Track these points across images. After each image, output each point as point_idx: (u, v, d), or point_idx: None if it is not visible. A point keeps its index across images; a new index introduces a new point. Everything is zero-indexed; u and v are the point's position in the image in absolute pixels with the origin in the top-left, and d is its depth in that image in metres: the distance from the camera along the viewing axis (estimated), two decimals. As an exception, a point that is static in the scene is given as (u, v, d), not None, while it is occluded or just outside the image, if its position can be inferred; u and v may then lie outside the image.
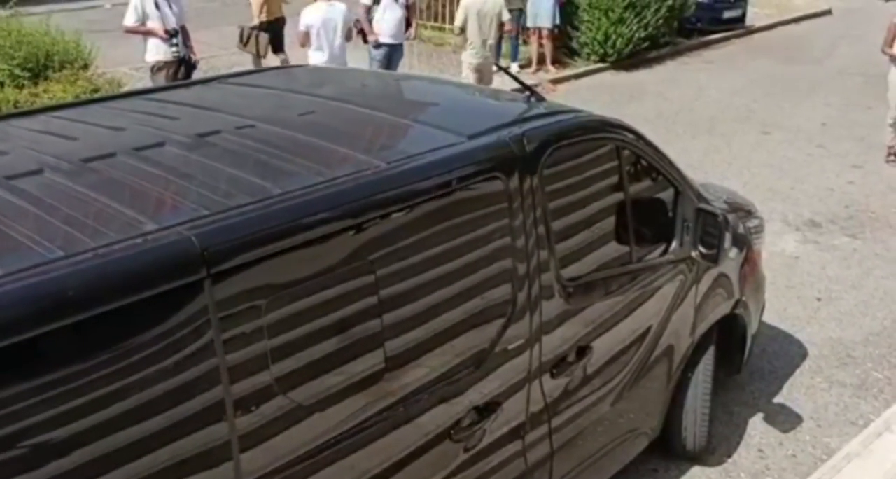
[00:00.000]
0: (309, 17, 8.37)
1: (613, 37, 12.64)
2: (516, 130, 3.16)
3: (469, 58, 9.75)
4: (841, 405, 4.99)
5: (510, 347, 3.06)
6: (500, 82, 10.69)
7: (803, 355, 5.48)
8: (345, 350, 2.53)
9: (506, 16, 9.81)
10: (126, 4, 8.53)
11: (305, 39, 8.46)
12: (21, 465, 1.92)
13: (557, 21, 12.26)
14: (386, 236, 2.61)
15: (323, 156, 2.82)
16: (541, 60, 12.43)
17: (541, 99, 3.75)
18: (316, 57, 8.40)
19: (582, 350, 3.39)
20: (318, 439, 2.48)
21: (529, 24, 12.21)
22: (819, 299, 6.24)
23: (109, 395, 2.04)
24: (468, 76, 9.73)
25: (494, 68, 11.74)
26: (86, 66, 8.79)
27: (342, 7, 8.62)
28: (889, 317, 6.01)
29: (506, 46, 12.28)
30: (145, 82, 9.29)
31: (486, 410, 3.00)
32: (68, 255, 2.08)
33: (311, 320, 2.45)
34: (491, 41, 9.83)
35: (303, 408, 2.43)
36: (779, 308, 5.94)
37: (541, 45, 12.35)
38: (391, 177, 2.70)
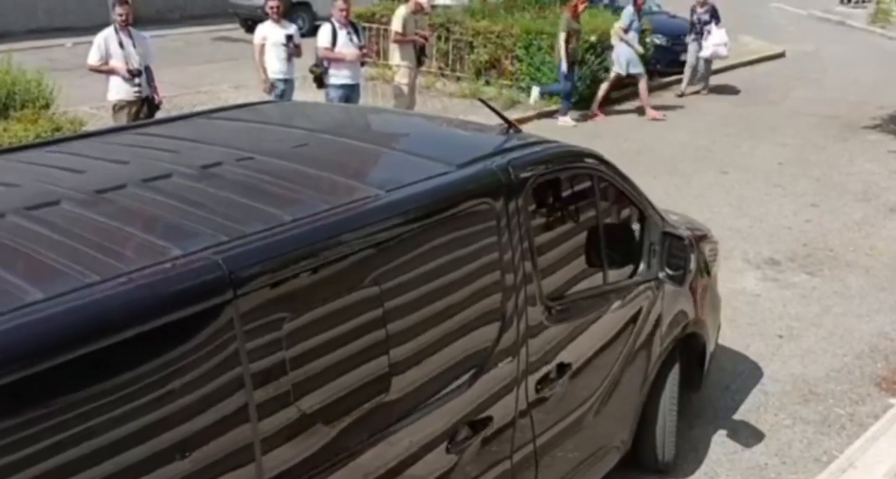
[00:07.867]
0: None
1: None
2: (501, 159, 3.32)
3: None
4: (805, 442, 5.03)
5: (500, 363, 3.19)
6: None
7: (766, 391, 5.52)
8: (352, 360, 2.65)
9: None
10: (88, 44, 8.51)
11: None
12: (81, 462, 2.02)
13: None
14: (387, 258, 2.75)
15: (324, 185, 2.98)
16: None
17: (518, 130, 3.90)
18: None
19: (562, 367, 3.52)
20: (324, 446, 2.58)
21: None
22: (781, 337, 6.31)
23: (149, 403, 2.15)
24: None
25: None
26: (47, 106, 8.73)
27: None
28: (850, 353, 6.09)
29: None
30: (106, 122, 9.23)
31: (479, 425, 3.11)
32: (104, 279, 2.16)
33: (323, 332, 2.57)
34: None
35: (309, 416, 2.53)
36: (741, 345, 5.99)
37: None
38: (391, 203, 2.83)
